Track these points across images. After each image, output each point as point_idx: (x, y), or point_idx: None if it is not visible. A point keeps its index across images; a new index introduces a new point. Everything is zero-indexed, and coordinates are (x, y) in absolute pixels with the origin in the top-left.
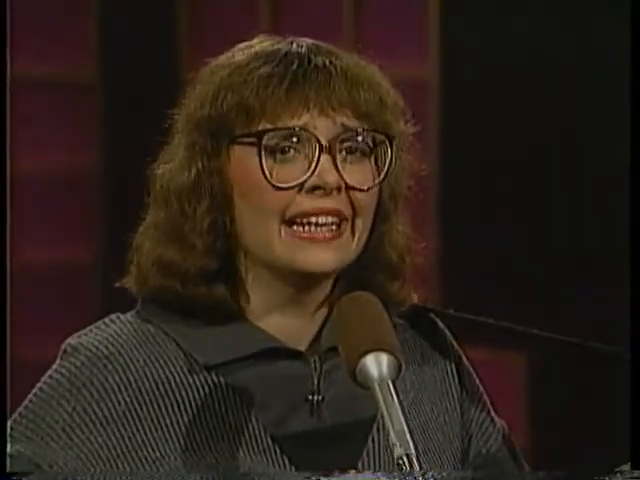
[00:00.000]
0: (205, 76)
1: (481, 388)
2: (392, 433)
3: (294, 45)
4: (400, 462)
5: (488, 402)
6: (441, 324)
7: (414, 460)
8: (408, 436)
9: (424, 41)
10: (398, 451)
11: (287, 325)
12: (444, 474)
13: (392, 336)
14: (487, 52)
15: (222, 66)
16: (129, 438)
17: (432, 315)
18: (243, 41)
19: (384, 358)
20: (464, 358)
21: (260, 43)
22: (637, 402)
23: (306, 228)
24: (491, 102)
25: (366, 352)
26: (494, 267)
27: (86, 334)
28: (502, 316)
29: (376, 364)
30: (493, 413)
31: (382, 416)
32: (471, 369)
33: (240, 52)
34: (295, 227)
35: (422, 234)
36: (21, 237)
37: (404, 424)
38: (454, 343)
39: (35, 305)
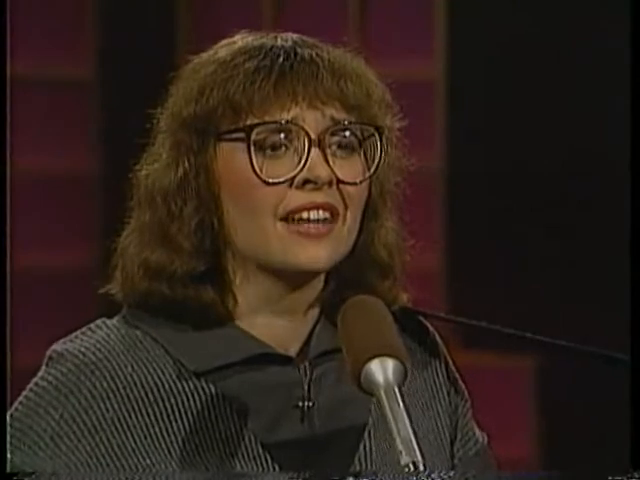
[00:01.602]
0: (188, 73)
1: (466, 393)
2: (398, 440)
3: (279, 39)
4: (407, 470)
5: (471, 408)
6: (431, 327)
7: (420, 468)
8: (414, 443)
9: (430, 40)
10: (404, 459)
11: (277, 328)
12: (446, 475)
13: (398, 340)
14: (493, 52)
15: (205, 63)
16: (118, 446)
17: (421, 318)
18: None
19: (390, 363)
20: (451, 362)
21: (243, 39)
22: (637, 404)
23: (299, 225)
24: (497, 101)
25: (371, 357)
26: (499, 270)
27: (72, 340)
28: (509, 319)
29: (382, 369)
30: (474, 420)
31: (388, 423)
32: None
33: (223, 48)
34: (289, 224)
35: (428, 235)
36: (20, 237)
37: (410, 431)
38: (443, 346)
39: (34, 307)
